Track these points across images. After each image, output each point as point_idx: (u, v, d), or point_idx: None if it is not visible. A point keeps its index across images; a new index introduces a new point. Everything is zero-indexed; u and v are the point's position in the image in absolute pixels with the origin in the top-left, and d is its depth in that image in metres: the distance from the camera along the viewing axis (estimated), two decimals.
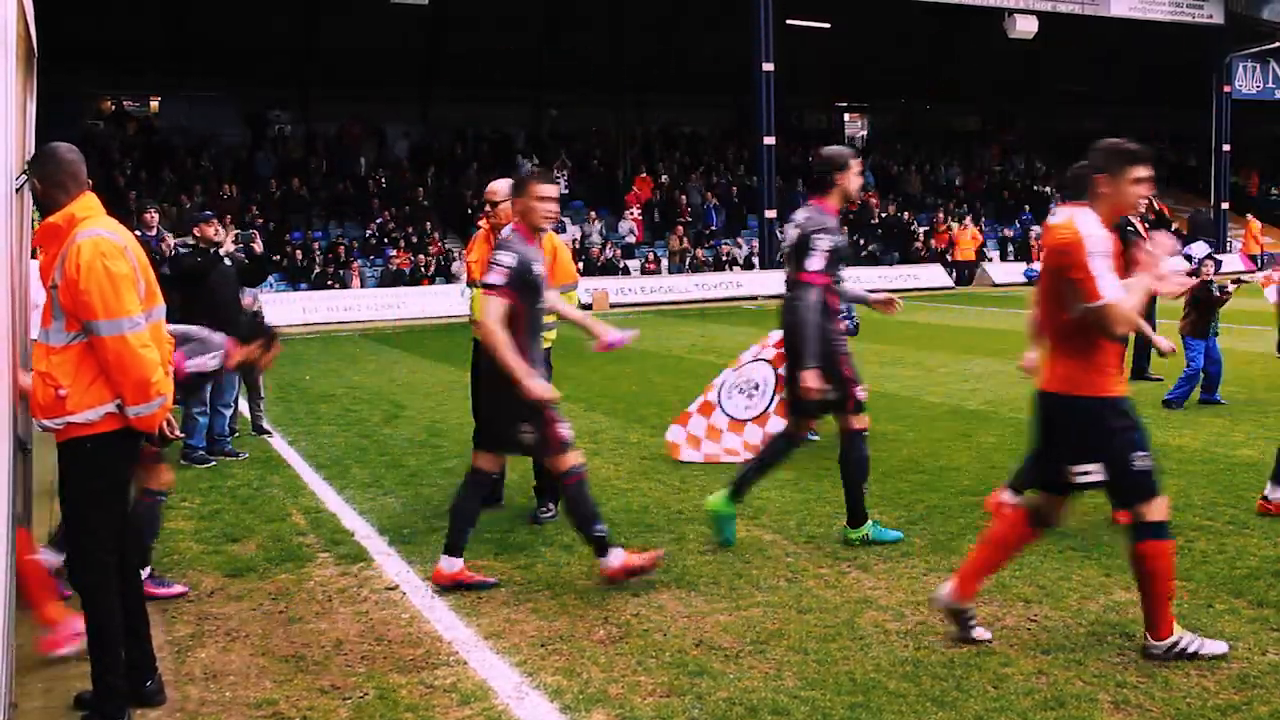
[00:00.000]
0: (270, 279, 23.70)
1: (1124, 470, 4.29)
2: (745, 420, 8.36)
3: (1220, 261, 10.24)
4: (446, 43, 31.97)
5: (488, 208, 6.66)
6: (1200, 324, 10.00)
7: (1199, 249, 10.27)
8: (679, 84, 35.07)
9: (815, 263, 5.60)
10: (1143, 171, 4.29)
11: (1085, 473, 4.32)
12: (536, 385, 5.12)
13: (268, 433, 9.46)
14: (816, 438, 8.80)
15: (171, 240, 11.33)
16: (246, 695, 4.20)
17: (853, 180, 5.78)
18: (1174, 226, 11.06)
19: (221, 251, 8.64)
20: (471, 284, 6.76)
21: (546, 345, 6.70)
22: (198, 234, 8.73)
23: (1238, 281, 10.69)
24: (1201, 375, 10.02)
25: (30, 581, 4.63)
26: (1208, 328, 10.01)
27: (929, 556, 5.67)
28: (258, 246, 9.15)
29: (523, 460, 7.38)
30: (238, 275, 8.83)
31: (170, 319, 4.44)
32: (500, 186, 6.68)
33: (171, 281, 9.49)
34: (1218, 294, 9.98)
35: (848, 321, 8.95)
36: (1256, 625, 4.62)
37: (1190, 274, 10.09)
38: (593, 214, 29.39)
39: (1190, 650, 4.27)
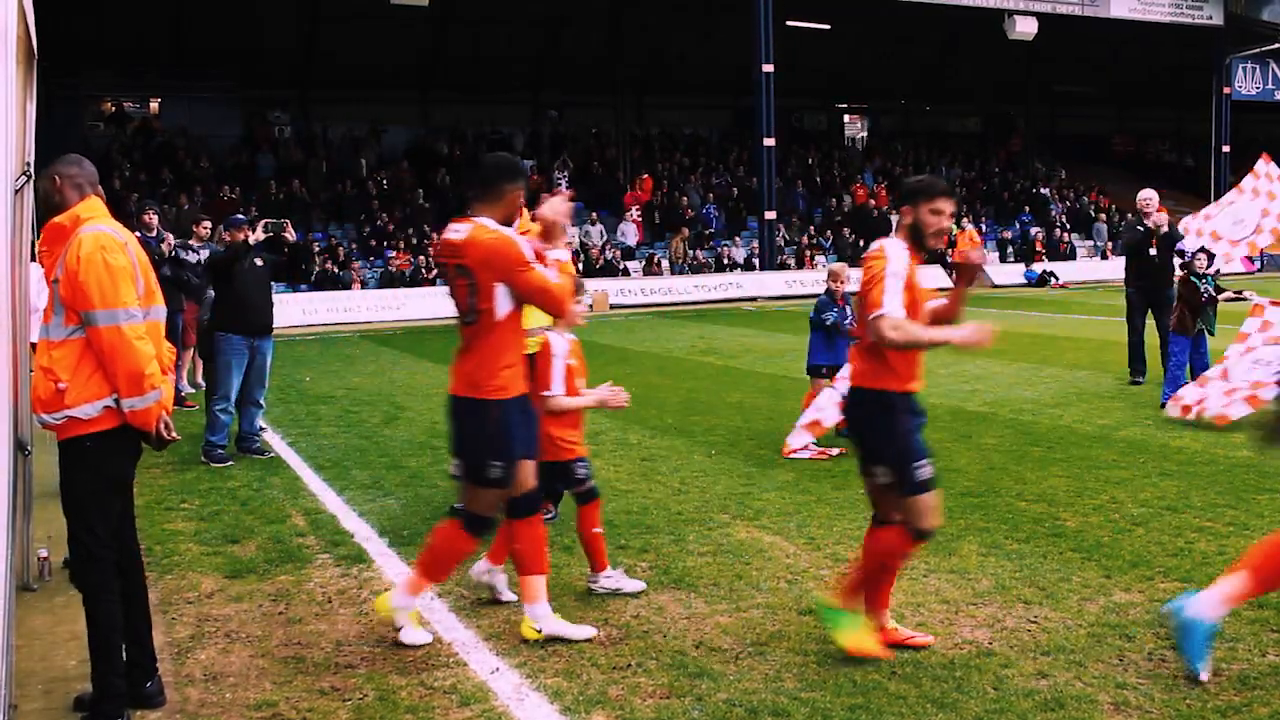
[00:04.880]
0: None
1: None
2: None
3: (1214, 256, 10.21)
4: (447, 44, 31.99)
5: None
6: (1186, 321, 10.00)
7: (1191, 243, 10.26)
8: (679, 85, 35.09)
9: None
10: None
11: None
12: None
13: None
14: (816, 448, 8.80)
15: (173, 240, 11.34)
16: (246, 697, 4.20)
17: None
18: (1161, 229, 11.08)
19: (251, 240, 8.66)
20: None
21: (534, 351, 6.69)
22: (228, 238, 8.80)
23: (1239, 296, 10.67)
24: (1187, 373, 10.01)
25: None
26: (1193, 325, 9.99)
27: (929, 558, 5.67)
28: (290, 234, 9.02)
29: None
30: (273, 273, 8.83)
31: (171, 319, 4.45)
32: None
33: (170, 283, 9.49)
34: (1204, 295, 9.97)
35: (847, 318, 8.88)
36: (1256, 627, 4.62)
37: (1182, 268, 10.10)
38: (594, 215, 29.39)
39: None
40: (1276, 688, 4.03)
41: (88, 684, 4.08)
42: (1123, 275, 11.74)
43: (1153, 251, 10.92)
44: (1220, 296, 10.21)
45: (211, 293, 8.97)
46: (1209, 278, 10.05)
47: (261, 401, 8.90)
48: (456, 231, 4.54)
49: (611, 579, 5.31)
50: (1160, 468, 7.60)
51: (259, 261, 8.62)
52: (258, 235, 8.83)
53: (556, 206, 4.66)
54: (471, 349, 4.51)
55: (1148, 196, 11.28)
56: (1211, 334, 10.16)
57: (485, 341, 4.47)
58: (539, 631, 4.65)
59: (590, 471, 5.38)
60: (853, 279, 9.63)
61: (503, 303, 4.44)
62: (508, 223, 4.56)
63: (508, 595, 5.24)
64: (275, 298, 9.11)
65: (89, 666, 4.04)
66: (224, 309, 8.61)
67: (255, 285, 8.63)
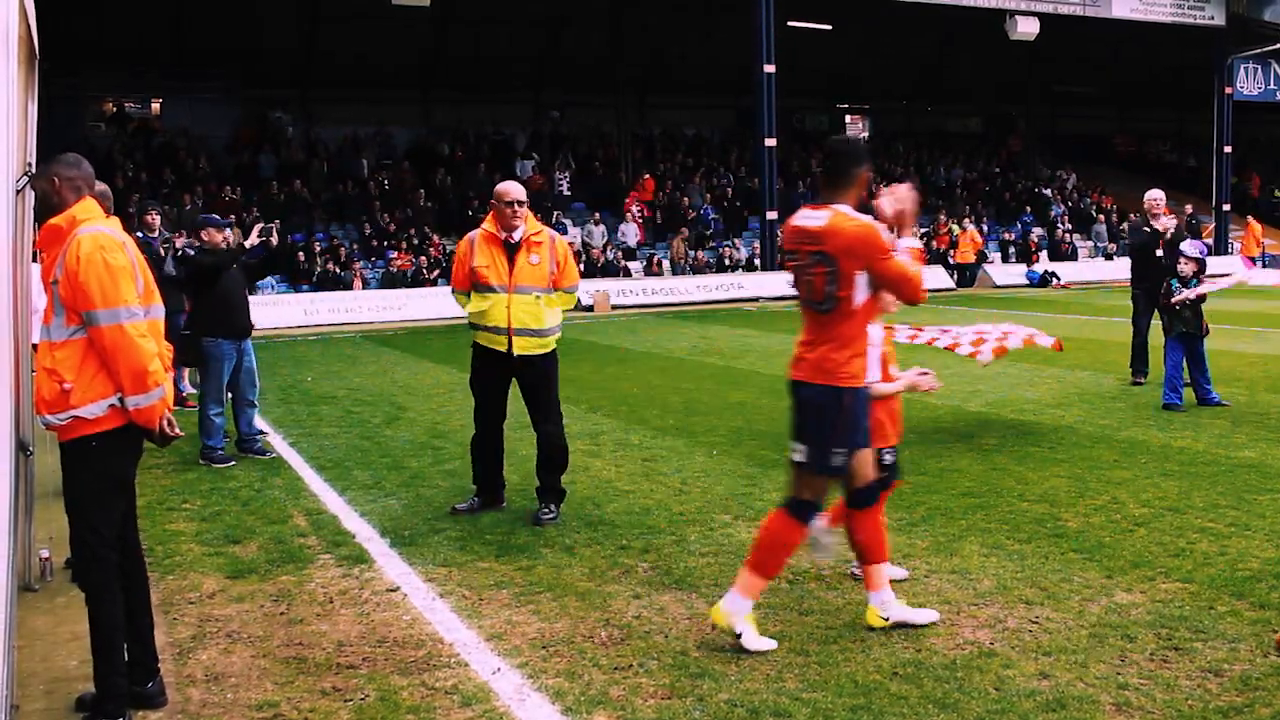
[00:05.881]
0: (271, 280, 23.73)
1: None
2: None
3: (1199, 260, 10.06)
4: (448, 44, 32.01)
5: (516, 207, 6.47)
6: (1165, 324, 10.08)
7: (1188, 249, 10.18)
8: (680, 85, 35.10)
9: None
10: None
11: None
12: None
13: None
14: None
15: (180, 241, 11.36)
16: (248, 697, 4.20)
17: None
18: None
19: (247, 244, 8.69)
20: (486, 289, 6.54)
21: (549, 349, 6.68)
22: (205, 238, 8.74)
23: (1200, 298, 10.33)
24: (1183, 374, 9.99)
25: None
26: (1170, 328, 10.01)
27: (930, 558, 5.67)
28: (275, 240, 9.12)
29: (526, 461, 7.40)
30: (246, 274, 8.86)
31: (172, 319, 4.48)
32: (518, 188, 6.61)
33: (181, 282, 9.50)
34: (1162, 296, 10.00)
35: None
36: (1259, 627, 4.61)
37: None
38: (598, 215, 29.41)
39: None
40: (1278, 689, 4.03)
41: (89, 684, 4.08)
42: (1129, 276, 11.69)
43: (1159, 253, 10.88)
44: (1174, 299, 9.95)
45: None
46: (1173, 280, 10.01)
47: (255, 401, 8.90)
48: (813, 219, 4.57)
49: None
50: (1162, 468, 7.60)
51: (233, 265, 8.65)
52: (253, 239, 8.83)
53: (902, 196, 4.69)
54: (824, 336, 4.56)
55: (1156, 197, 11.18)
56: (1199, 334, 9.98)
57: (841, 329, 4.53)
58: (886, 619, 4.65)
59: (896, 458, 5.32)
60: None
61: (861, 290, 4.50)
62: (862, 207, 4.59)
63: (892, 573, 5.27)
64: (276, 298, 9.17)
65: (90, 667, 4.04)
66: (209, 314, 8.54)
67: (235, 288, 8.64)
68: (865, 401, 4.64)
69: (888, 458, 5.20)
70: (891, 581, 4.92)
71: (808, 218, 4.61)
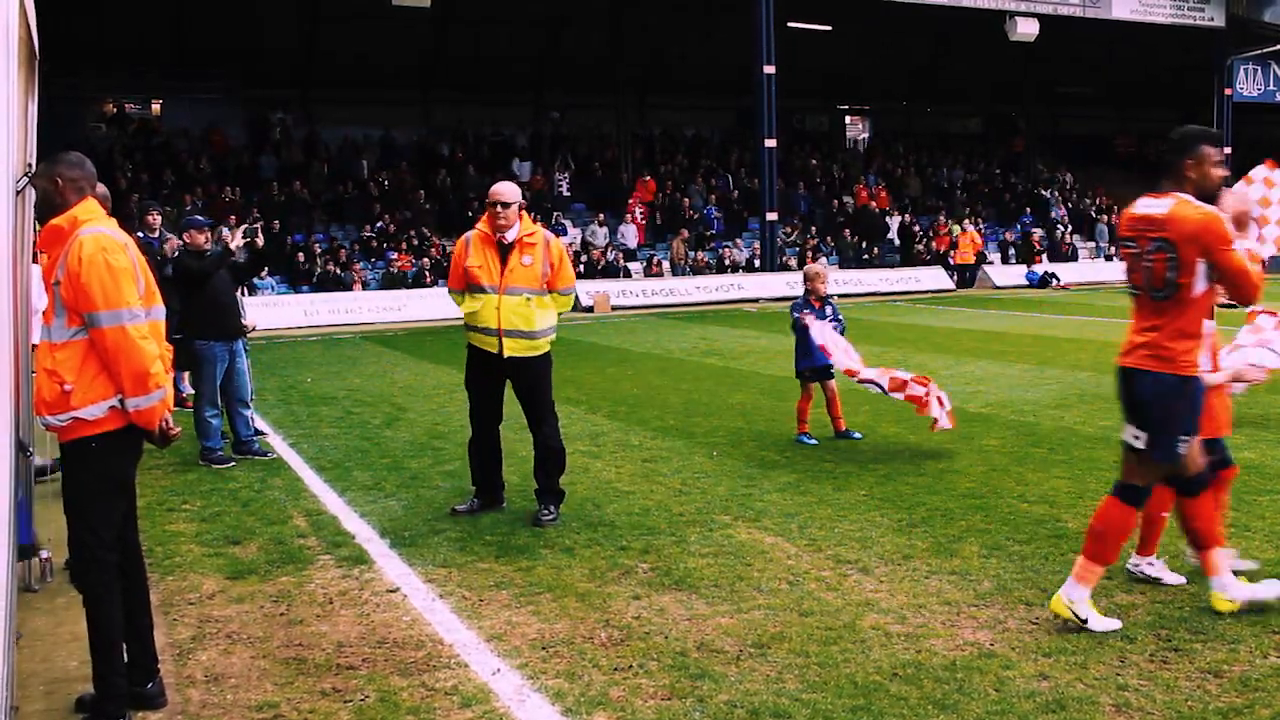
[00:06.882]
0: (270, 280, 23.73)
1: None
2: None
3: None
4: (448, 44, 32.02)
5: (500, 209, 6.46)
6: None
7: None
8: (680, 86, 35.11)
9: None
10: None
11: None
12: None
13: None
14: (813, 442, 8.80)
15: (176, 242, 11.38)
16: (247, 698, 4.20)
17: None
18: None
19: (234, 245, 8.70)
20: (478, 289, 6.55)
21: (540, 351, 6.67)
22: (188, 240, 8.73)
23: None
24: None
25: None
26: None
27: (930, 559, 5.67)
28: (260, 240, 9.12)
29: (525, 462, 7.40)
30: (233, 275, 8.87)
31: (169, 321, 4.48)
32: (506, 189, 6.62)
33: (171, 283, 9.54)
34: None
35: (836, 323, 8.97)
36: (1258, 629, 4.61)
37: None
38: (601, 216, 29.43)
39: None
40: (1278, 689, 4.03)
41: (89, 685, 4.09)
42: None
43: None
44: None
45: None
46: None
47: (249, 401, 8.90)
48: (1154, 206, 4.64)
49: (1154, 566, 5.29)
50: None
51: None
52: (238, 241, 8.84)
53: (1243, 197, 4.71)
54: (1162, 323, 4.62)
55: None
56: None
57: (1180, 317, 4.58)
58: (1232, 601, 4.69)
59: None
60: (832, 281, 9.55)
61: (1201, 280, 4.55)
62: (1202, 195, 4.62)
63: (1172, 579, 5.27)
64: (276, 299, 9.16)
65: (90, 668, 4.05)
66: (200, 317, 8.53)
67: (224, 290, 8.65)
68: (1203, 390, 4.70)
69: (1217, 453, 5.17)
70: (1235, 573, 4.95)
71: (1149, 205, 4.68)
